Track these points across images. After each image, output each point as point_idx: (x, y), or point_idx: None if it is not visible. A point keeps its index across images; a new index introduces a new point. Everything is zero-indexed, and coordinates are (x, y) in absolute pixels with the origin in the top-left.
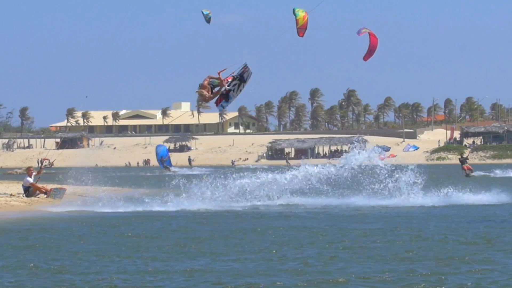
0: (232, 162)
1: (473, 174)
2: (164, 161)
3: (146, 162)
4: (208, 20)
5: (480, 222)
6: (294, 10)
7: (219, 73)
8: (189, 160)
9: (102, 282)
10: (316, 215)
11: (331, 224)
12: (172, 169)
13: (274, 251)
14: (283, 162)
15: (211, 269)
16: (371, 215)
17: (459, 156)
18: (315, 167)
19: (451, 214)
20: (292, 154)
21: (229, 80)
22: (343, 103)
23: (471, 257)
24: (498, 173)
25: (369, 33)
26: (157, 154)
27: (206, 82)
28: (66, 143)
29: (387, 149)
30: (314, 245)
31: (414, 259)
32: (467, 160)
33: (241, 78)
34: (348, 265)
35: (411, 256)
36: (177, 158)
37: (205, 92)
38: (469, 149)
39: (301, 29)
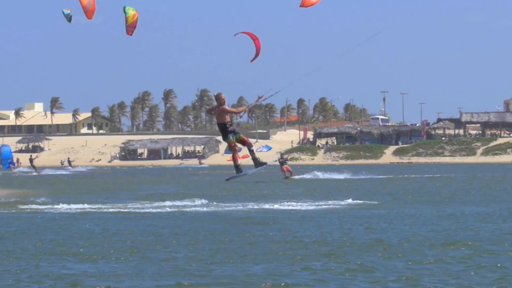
0: (61, 163)
1: (293, 176)
2: (9, 161)
3: None
4: (69, 19)
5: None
6: (124, 8)
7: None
8: (30, 160)
9: None
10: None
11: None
12: (17, 169)
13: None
14: (136, 163)
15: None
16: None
17: (279, 157)
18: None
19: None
20: (145, 155)
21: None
22: (196, 104)
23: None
24: (319, 175)
25: (251, 36)
26: (0, 154)
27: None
28: None
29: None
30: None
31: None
32: (287, 162)
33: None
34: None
35: None
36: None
37: (223, 96)
38: (284, 153)
39: (130, 28)
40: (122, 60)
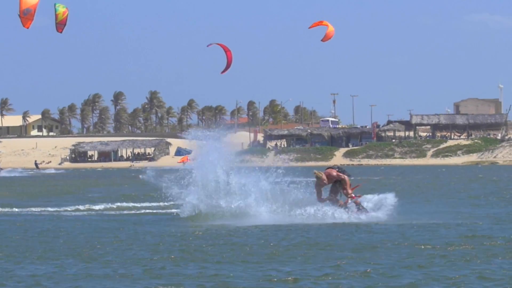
0: (36, 165)
1: None
2: None
3: None
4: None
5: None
6: (55, 5)
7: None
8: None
9: None
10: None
11: None
12: None
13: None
14: (86, 165)
15: None
16: None
17: None
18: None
19: None
20: (95, 157)
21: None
22: (146, 106)
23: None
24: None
25: (223, 48)
26: None
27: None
28: None
29: (189, 151)
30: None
31: None
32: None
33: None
34: None
35: None
36: None
37: (324, 177)
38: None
39: (60, 25)
40: (72, 62)
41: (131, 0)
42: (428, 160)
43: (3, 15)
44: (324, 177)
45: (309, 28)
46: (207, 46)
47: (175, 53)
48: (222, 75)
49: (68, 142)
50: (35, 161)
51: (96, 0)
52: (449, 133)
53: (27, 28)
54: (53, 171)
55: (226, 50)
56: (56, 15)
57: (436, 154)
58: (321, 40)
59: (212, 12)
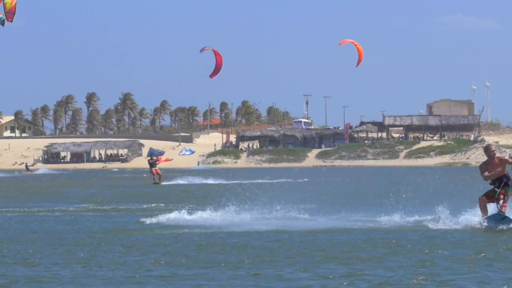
0: (27, 167)
1: (161, 181)
2: None
3: None
4: (2, 23)
5: None
6: None
7: None
8: (26, 166)
9: None
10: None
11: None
12: None
13: None
14: (59, 166)
15: None
16: None
17: (148, 158)
18: None
19: None
20: (68, 158)
21: None
22: (119, 107)
23: None
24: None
25: (214, 52)
26: None
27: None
28: None
29: (161, 153)
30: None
31: None
32: (157, 164)
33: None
34: None
35: None
36: None
37: (493, 148)
38: (160, 153)
39: (9, 14)
40: (45, 63)
41: (104, 2)
42: (401, 161)
43: None
44: (493, 147)
45: (339, 44)
46: (200, 51)
47: (148, 54)
48: (201, 76)
49: (41, 143)
50: (26, 163)
51: (69, 1)
52: (422, 134)
53: None
54: (43, 171)
55: (217, 55)
56: (4, 5)
57: (408, 155)
58: (356, 66)
59: (185, 14)
